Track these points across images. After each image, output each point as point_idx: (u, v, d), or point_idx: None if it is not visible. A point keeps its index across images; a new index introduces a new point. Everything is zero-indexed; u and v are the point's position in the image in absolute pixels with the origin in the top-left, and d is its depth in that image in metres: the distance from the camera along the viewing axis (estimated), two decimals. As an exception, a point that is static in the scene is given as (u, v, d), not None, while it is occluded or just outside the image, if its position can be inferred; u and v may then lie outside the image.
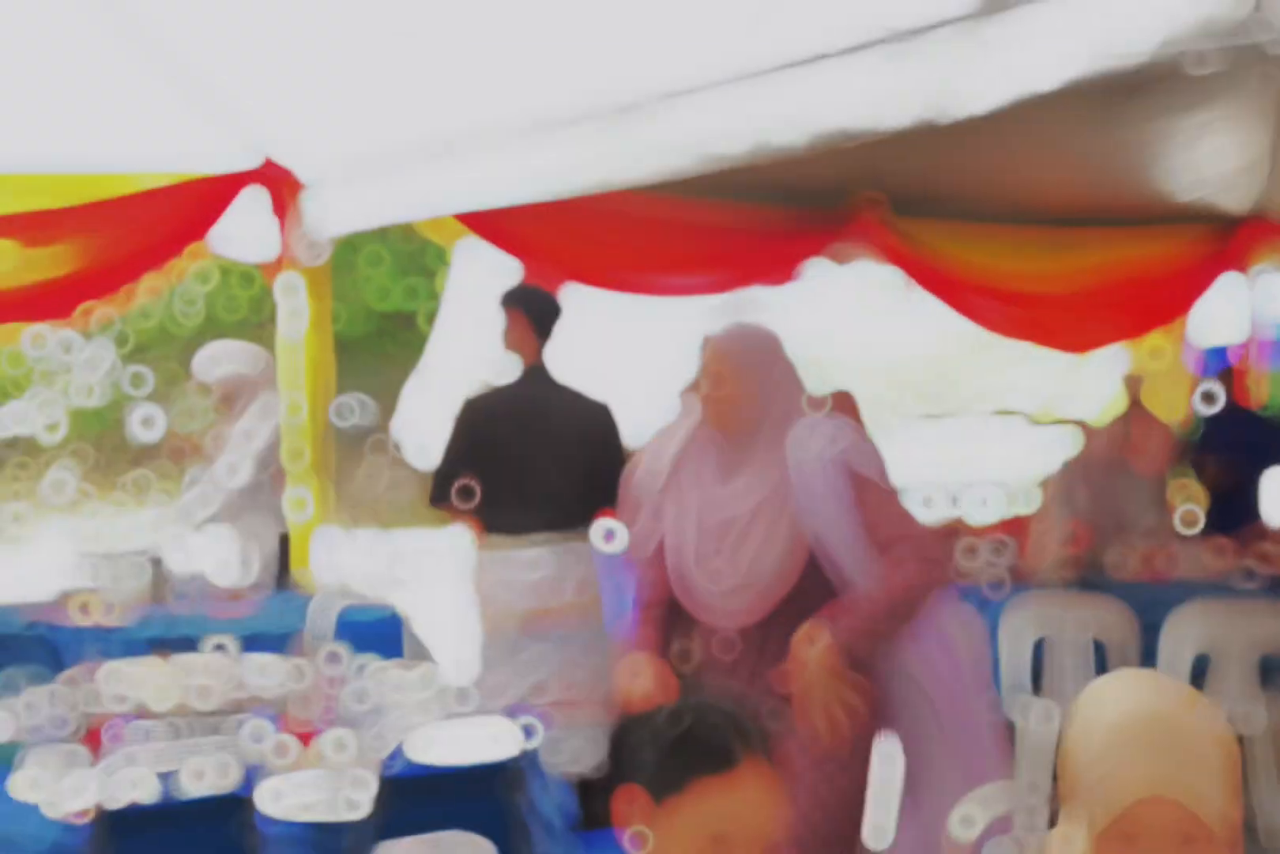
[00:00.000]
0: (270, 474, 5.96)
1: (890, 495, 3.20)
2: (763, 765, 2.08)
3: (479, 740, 3.33)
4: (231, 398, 6.09)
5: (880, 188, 7.38)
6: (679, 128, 4.57)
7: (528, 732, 3.61)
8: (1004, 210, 7.96)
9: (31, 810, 2.97)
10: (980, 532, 7.92)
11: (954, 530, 7.62)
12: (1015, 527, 7.72)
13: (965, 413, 9.77)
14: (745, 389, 3.31)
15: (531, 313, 5.23)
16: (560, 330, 5.29)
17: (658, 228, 7.03)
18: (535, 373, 5.19)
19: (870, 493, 3.16)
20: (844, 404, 6.40)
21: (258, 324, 17.75)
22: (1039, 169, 7.32)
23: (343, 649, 3.95)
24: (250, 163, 6.28)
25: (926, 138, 6.31)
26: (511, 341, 5.23)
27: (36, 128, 5.78)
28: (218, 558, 6.11)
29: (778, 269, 7.48)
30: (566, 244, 6.73)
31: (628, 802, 2.06)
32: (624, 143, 4.75)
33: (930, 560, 3.10)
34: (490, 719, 3.76)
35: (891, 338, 9.90)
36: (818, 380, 7.09)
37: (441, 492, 5.06)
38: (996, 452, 10.18)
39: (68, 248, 6.04)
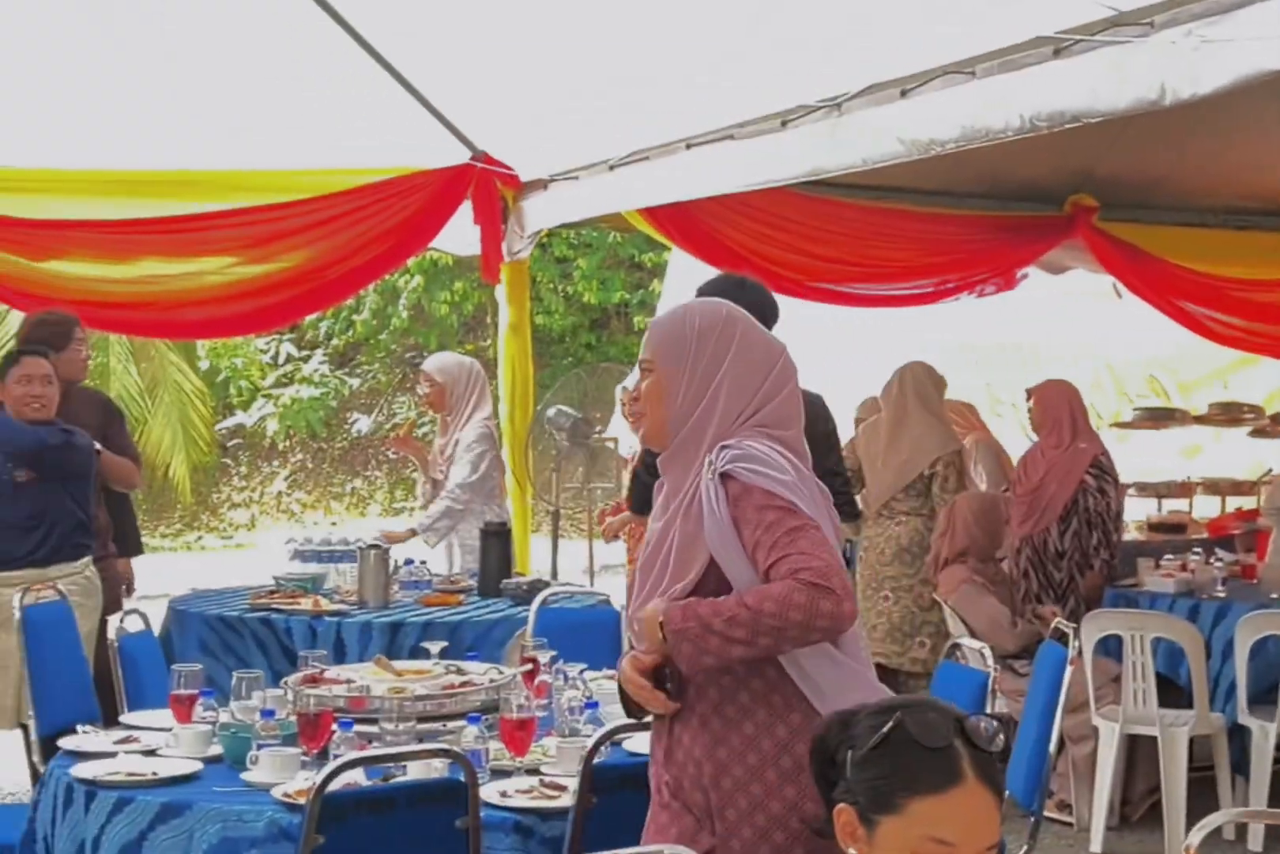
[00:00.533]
0: (476, 475, 6.07)
1: (785, 513, 2.48)
2: (985, 783, 1.84)
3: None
4: (445, 403, 6.23)
5: (1095, 188, 7.19)
6: (888, 113, 4.49)
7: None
8: (1225, 208, 7.68)
9: (259, 791, 3.09)
10: (1208, 528, 7.67)
11: (1182, 526, 7.39)
12: (1240, 524, 7.46)
13: (1188, 408, 9.45)
14: (668, 394, 2.63)
15: None
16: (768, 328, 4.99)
17: (872, 235, 6.94)
18: None
19: (751, 506, 2.50)
20: (1061, 394, 6.23)
21: (467, 318, 18.09)
22: (1265, 160, 7.03)
23: (554, 653, 3.98)
24: (464, 158, 6.39)
25: (1145, 131, 6.17)
26: None
27: (263, 126, 5.97)
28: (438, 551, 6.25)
29: (995, 276, 7.34)
30: (772, 252, 6.67)
31: (837, 820, 1.88)
32: (834, 128, 4.69)
33: (808, 586, 2.40)
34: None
35: (1109, 337, 9.64)
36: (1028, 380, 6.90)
37: (642, 498, 4.80)
38: (1221, 447, 9.84)
39: (293, 260, 6.22)
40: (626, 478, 6.07)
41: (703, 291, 4.97)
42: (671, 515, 2.61)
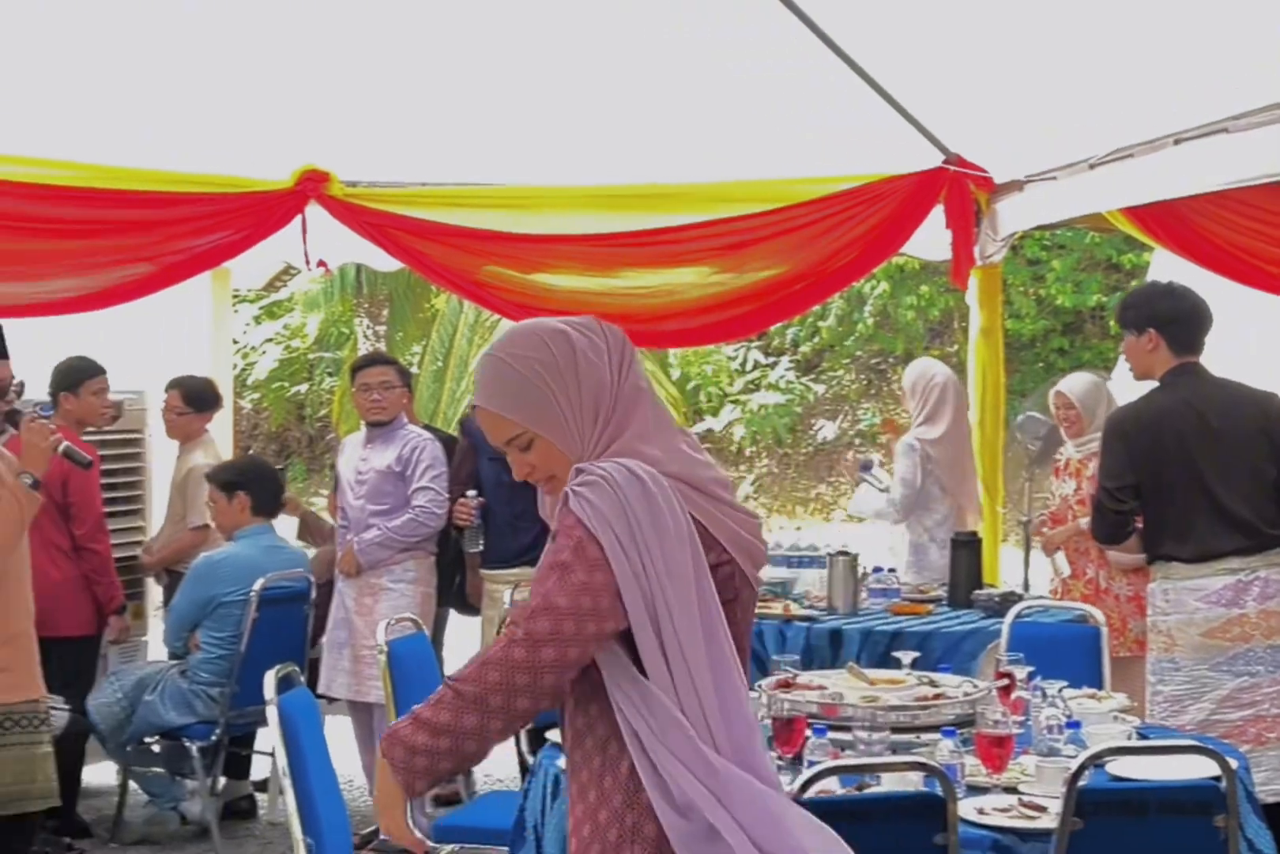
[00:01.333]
0: (923, 480, 6.05)
1: (569, 543, 2.15)
2: None
3: (1177, 759, 3.16)
4: (907, 406, 6.28)
5: None
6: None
7: (1229, 752, 3.40)
8: None
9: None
10: None
11: None
12: None
13: None
14: (563, 446, 2.33)
15: (1161, 327, 4.59)
16: (1199, 339, 4.63)
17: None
18: (1183, 372, 4.58)
19: (561, 531, 2.21)
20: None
21: (933, 323, 17.91)
22: None
23: (1030, 669, 3.87)
24: (936, 162, 6.32)
25: None
26: (1130, 355, 4.71)
27: (739, 137, 6.09)
28: (899, 556, 6.22)
29: None
30: (1268, 250, 6.24)
31: None
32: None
33: (509, 633, 2.03)
34: (1184, 737, 3.57)
35: None
36: None
37: (1106, 525, 4.62)
38: None
39: (765, 270, 6.30)
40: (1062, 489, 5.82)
41: (1127, 302, 4.83)
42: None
